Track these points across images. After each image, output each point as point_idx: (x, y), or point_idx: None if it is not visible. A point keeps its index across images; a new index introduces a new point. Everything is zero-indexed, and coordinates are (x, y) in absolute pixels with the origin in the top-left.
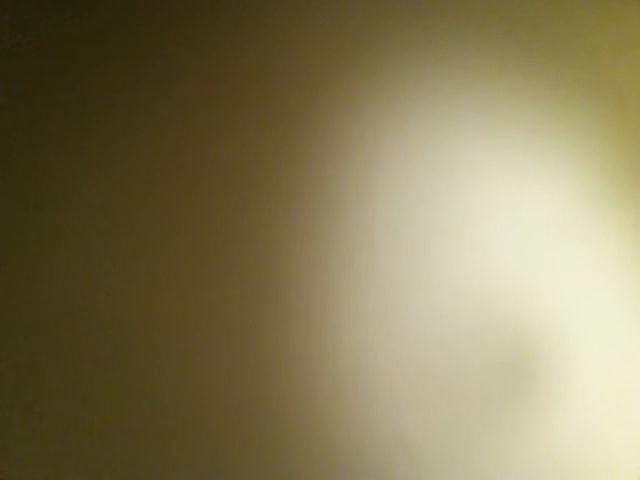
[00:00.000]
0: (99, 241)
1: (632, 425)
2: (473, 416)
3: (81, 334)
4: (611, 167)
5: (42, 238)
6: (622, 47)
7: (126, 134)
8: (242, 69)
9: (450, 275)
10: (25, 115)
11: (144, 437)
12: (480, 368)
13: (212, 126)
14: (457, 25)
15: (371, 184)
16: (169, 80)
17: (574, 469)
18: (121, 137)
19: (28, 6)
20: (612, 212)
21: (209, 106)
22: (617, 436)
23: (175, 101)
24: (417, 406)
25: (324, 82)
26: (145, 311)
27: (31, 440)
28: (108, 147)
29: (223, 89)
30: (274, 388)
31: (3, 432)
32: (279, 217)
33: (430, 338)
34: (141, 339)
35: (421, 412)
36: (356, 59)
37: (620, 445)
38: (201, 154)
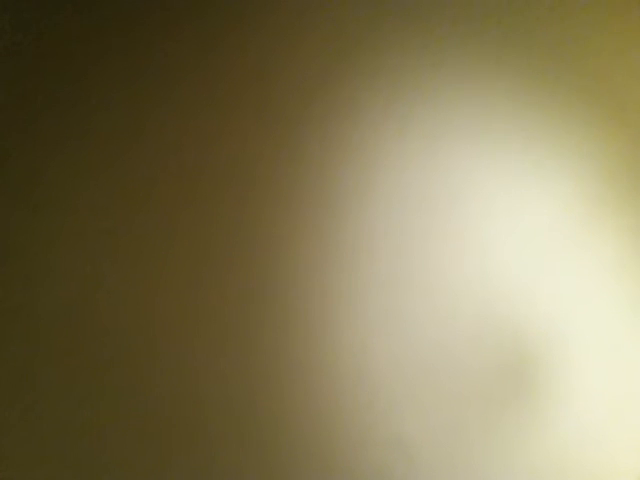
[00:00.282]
0: (97, 242)
1: (632, 428)
2: (473, 418)
3: (79, 335)
4: (609, 172)
5: (40, 239)
6: (620, 53)
7: (125, 134)
8: (242, 69)
9: (449, 279)
10: (23, 115)
11: (142, 439)
12: (479, 371)
13: (212, 127)
14: (455, 30)
15: (370, 187)
16: (169, 80)
17: (574, 471)
18: (120, 137)
19: (28, 5)
20: (611, 217)
21: (209, 106)
22: (617, 439)
23: (175, 101)
24: (416, 408)
25: (324, 84)
26: (143, 313)
27: (30, 441)
28: (107, 147)
29: (223, 89)
30: (273, 390)
31: (2, 433)
32: (278, 220)
33: (430, 341)
34: (139, 341)
35: (420, 414)
36: (355, 62)
37: (620, 448)
38: (200, 155)
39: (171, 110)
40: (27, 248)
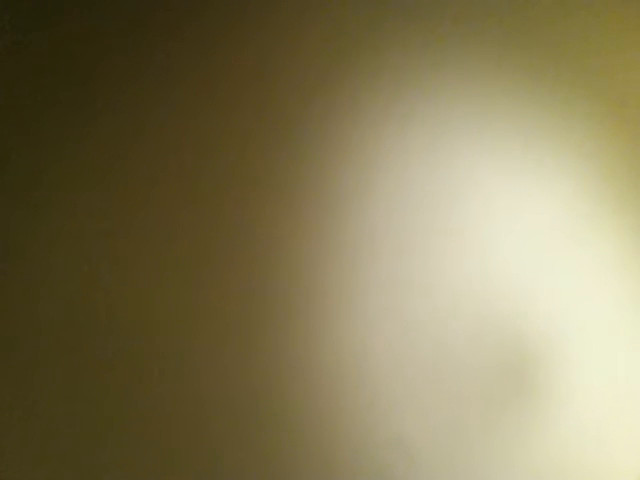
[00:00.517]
0: (97, 243)
1: (632, 427)
2: (473, 418)
3: (79, 335)
4: (610, 171)
5: (40, 239)
6: (621, 51)
7: (125, 135)
8: (242, 69)
9: (450, 278)
10: (24, 116)
11: (142, 439)
12: (480, 370)
13: (211, 127)
14: (456, 29)
15: (371, 186)
16: (169, 80)
17: (574, 471)
18: (120, 138)
19: (28, 4)
20: (611, 216)
21: (209, 106)
22: (617, 438)
23: (175, 101)
24: (417, 408)
25: (324, 83)
26: (144, 312)
27: (30, 441)
28: (107, 148)
29: (223, 89)
30: (274, 390)
31: (2, 433)
32: (279, 219)
33: (430, 340)
34: (140, 340)
35: (421, 414)
36: (356, 61)
37: (620, 447)
38: (200, 155)
39: (171, 110)
40: (27, 248)
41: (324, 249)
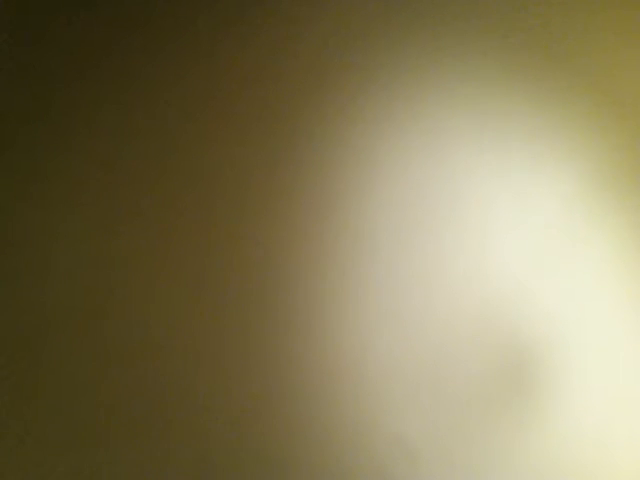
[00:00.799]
0: (98, 239)
1: (632, 428)
2: (473, 418)
3: (79, 334)
4: (610, 170)
5: (42, 236)
6: (621, 50)
7: (126, 134)
8: (241, 70)
9: (450, 278)
10: (26, 111)
11: (141, 438)
12: (480, 371)
13: (211, 128)
14: (455, 27)
15: (371, 187)
16: (169, 81)
17: (574, 471)
18: (121, 137)
19: (29, 4)
20: (611, 215)
21: (208, 107)
22: (617, 439)
23: (175, 101)
24: (417, 408)
25: (323, 83)
26: (144, 311)
27: (30, 441)
28: (108, 147)
29: (222, 90)
30: (273, 391)
31: (2, 433)
32: (278, 220)
33: (430, 341)
34: (140, 339)
35: (421, 414)
36: (355, 60)
37: (620, 448)
38: (201, 155)
39: (172, 110)
40: (29, 244)
41: (323, 251)
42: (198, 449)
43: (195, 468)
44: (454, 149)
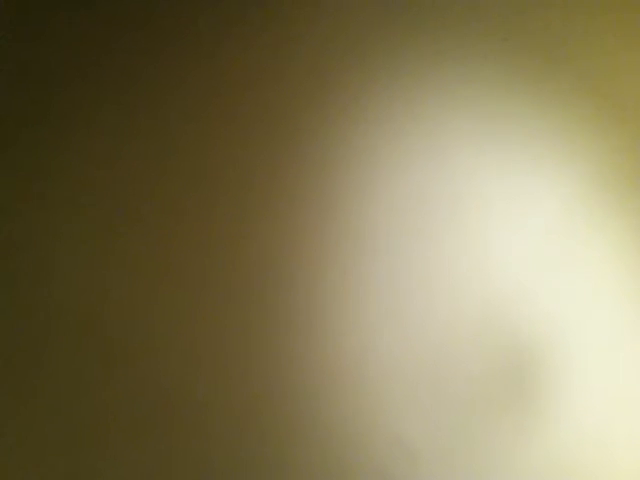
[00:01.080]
0: (100, 239)
1: (632, 428)
2: (474, 419)
3: (81, 334)
4: (611, 172)
5: (44, 237)
6: (621, 52)
7: (127, 134)
8: (243, 70)
9: (450, 279)
10: (29, 111)
11: (142, 438)
12: (480, 371)
13: (212, 129)
14: (456, 31)
15: (372, 188)
16: (171, 81)
17: (574, 471)
18: (122, 137)
19: (29, 3)
20: (612, 217)
21: (209, 108)
22: (618, 440)
23: (176, 102)
24: (418, 409)
25: (325, 85)
26: (145, 311)
27: (30, 440)
28: (112, 146)
29: (223, 91)
30: (274, 391)
31: (2, 432)
32: (279, 221)
33: (431, 341)
34: (141, 339)
35: (422, 415)
36: (356, 62)
37: (621, 448)
38: (202, 156)
39: (173, 111)
40: (31, 245)
41: (324, 251)
42: (199, 449)
43: (195, 468)
44: (455, 151)
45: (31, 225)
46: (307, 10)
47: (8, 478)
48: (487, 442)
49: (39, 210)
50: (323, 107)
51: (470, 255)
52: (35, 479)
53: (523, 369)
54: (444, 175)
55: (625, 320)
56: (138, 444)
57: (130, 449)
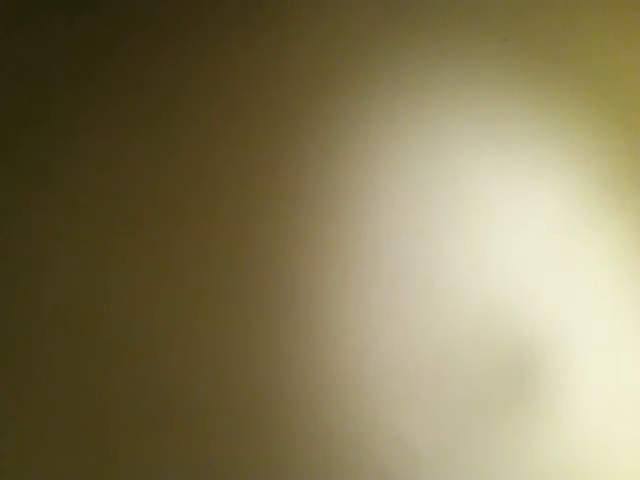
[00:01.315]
0: (99, 241)
1: (633, 429)
2: (475, 419)
3: (80, 334)
4: (611, 173)
5: (44, 237)
6: (621, 51)
7: (127, 135)
8: (244, 71)
9: (451, 280)
10: (29, 113)
11: (142, 438)
12: (481, 372)
13: (214, 128)
14: (456, 31)
15: (372, 190)
16: (171, 82)
17: (575, 471)
18: (125, 136)
19: (30, 4)
20: (612, 217)
21: (210, 109)
22: (618, 440)
23: (177, 102)
24: (419, 409)
25: (326, 85)
26: (145, 311)
27: (30, 440)
28: (113, 146)
29: (224, 91)
30: (275, 391)
31: (2, 432)
32: (280, 221)
33: (432, 342)
34: (141, 339)
35: (423, 415)
36: (357, 63)
37: (621, 449)
38: (202, 156)
39: (174, 111)
40: (30, 247)
41: (325, 252)
42: (198, 449)
43: (195, 468)
44: (455, 152)
45: (31, 226)
46: (307, 10)
47: (8, 478)
48: (488, 442)
49: (39, 210)
50: (324, 107)
51: (471, 255)
52: (35, 479)
53: (524, 369)
54: (445, 175)
55: (625, 320)
56: (138, 444)
57: (130, 449)
